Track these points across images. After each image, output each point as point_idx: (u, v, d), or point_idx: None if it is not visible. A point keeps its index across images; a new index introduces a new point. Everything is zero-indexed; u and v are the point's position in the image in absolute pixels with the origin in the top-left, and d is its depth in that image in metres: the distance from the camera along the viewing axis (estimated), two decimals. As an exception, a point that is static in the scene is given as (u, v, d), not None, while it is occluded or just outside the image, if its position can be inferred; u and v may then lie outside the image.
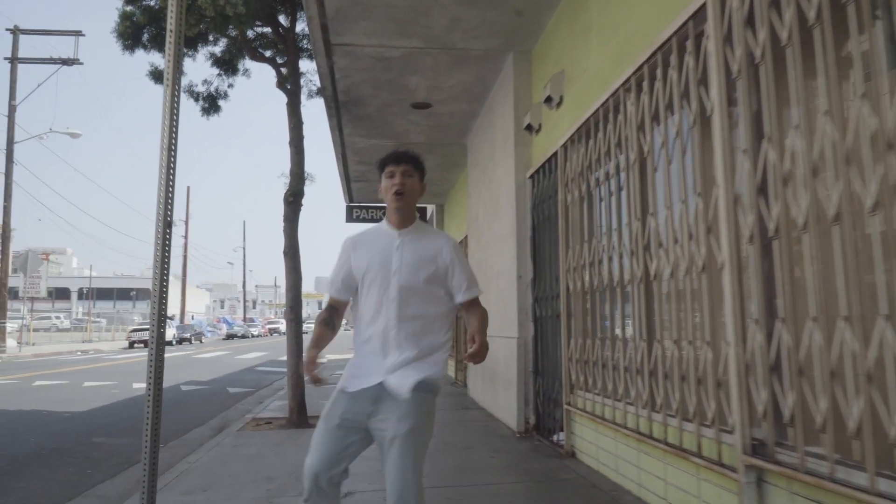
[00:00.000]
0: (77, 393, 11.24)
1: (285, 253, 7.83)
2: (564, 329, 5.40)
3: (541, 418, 6.28)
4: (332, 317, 2.54)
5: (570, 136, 5.34)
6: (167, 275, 2.93)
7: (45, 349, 27.76)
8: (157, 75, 8.37)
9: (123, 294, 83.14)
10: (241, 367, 18.43)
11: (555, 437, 5.84)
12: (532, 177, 6.59)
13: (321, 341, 2.47)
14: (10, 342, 25.08)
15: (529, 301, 6.55)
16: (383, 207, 15.19)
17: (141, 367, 17.96)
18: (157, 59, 8.49)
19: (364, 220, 14.93)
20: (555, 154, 5.80)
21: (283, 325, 70.97)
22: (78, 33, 25.65)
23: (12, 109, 24.31)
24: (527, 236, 6.64)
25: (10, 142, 24.23)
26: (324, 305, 2.60)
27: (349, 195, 14.08)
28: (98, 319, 56.33)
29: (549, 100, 5.85)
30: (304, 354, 2.66)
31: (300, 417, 7.40)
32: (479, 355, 2.35)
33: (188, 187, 46.76)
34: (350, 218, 14.83)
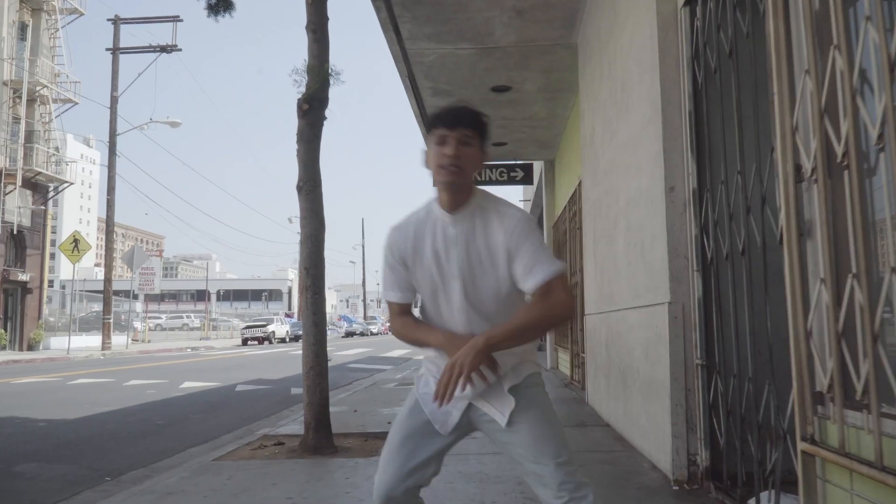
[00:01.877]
0: (106, 393, 9.32)
1: (299, 188, 5.21)
2: (792, 270, 2.31)
3: (724, 457, 3.21)
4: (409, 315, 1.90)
5: None
6: None
7: (155, 346, 27.34)
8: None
9: (257, 295, 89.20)
10: (331, 365, 16.33)
11: (760, 502, 2.77)
12: (689, 2, 3.52)
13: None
14: (117, 339, 24.72)
15: (691, 232, 3.48)
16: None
17: (220, 365, 16.32)
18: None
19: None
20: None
21: (402, 323, 69.34)
22: (176, 19, 24.96)
23: (114, 101, 23.86)
24: (682, 113, 3.57)
25: (113, 133, 23.78)
26: (386, 313, 2.02)
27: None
28: (228, 319, 57.97)
29: None
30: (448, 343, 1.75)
31: (318, 437, 4.75)
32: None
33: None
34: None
